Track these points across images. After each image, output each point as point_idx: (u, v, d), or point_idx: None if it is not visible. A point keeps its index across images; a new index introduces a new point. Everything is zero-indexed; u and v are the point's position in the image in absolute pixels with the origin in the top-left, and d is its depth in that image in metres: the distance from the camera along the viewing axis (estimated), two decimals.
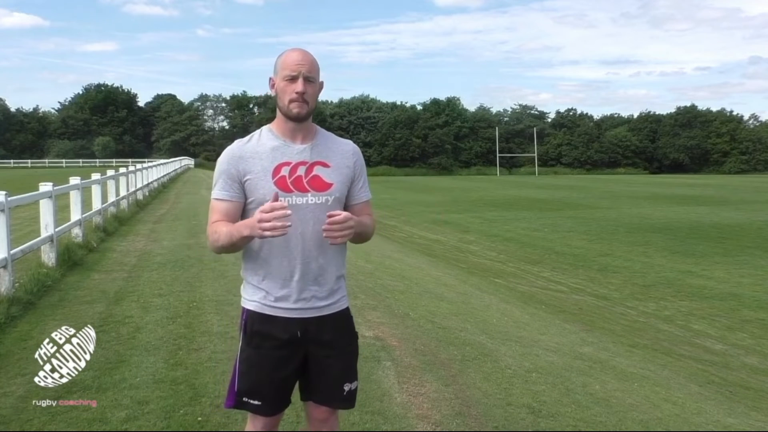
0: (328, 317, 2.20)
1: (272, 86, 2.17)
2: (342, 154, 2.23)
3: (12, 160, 72.37)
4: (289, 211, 1.93)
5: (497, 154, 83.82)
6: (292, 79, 2.10)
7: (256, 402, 2.18)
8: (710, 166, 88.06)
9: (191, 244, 9.99)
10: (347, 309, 2.29)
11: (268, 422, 2.24)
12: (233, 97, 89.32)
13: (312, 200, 2.13)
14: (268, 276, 2.15)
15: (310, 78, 2.12)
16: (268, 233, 1.93)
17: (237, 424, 3.27)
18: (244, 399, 2.19)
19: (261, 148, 2.15)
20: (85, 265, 8.20)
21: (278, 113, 2.18)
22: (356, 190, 2.26)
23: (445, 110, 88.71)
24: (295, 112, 2.11)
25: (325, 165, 2.18)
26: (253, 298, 2.19)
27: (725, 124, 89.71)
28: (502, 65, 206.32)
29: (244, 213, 2.18)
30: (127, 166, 17.48)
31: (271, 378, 2.17)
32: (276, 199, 1.98)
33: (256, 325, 2.17)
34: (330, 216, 2.01)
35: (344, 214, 2.03)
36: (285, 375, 2.18)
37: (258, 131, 2.22)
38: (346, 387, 2.23)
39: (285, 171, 2.13)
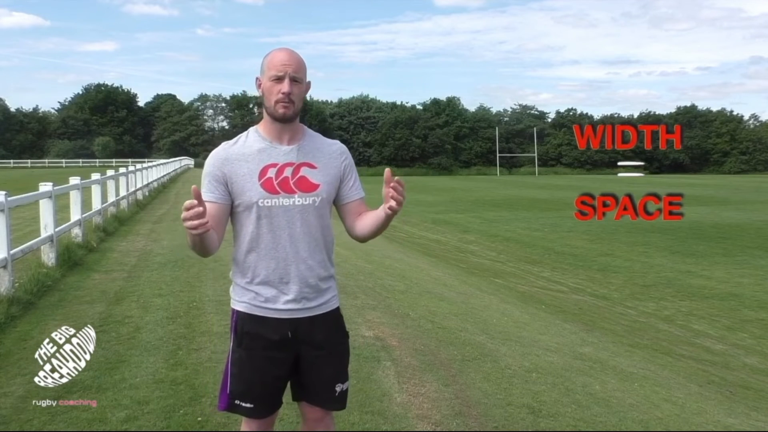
0: (319, 317, 2.19)
1: (259, 86, 2.16)
2: (329, 155, 2.22)
3: (12, 160, 72.30)
4: (200, 209, 1.83)
5: (497, 154, 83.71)
6: (278, 79, 2.09)
7: (247, 405, 2.17)
8: (710, 166, 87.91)
9: None
10: (338, 309, 2.28)
11: (263, 423, 2.23)
12: (233, 97, 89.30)
13: (299, 201, 2.13)
14: (256, 277, 2.15)
15: (297, 78, 2.10)
16: (192, 231, 1.86)
17: (237, 425, 3.24)
18: (236, 401, 2.17)
19: (247, 150, 2.15)
20: (85, 265, 8.20)
21: (265, 114, 2.17)
22: (347, 190, 2.26)
23: (445, 110, 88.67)
24: (280, 113, 2.10)
25: (311, 166, 2.17)
26: (242, 299, 2.18)
27: (725, 124, 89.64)
28: (502, 65, 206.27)
29: (232, 215, 2.18)
30: (126, 166, 17.48)
31: (263, 379, 2.16)
32: (196, 196, 1.88)
33: (247, 326, 2.17)
34: (399, 182, 2.03)
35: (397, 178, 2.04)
36: (277, 376, 2.18)
37: (245, 133, 2.21)
38: (338, 388, 2.22)
39: (271, 173, 2.12)
